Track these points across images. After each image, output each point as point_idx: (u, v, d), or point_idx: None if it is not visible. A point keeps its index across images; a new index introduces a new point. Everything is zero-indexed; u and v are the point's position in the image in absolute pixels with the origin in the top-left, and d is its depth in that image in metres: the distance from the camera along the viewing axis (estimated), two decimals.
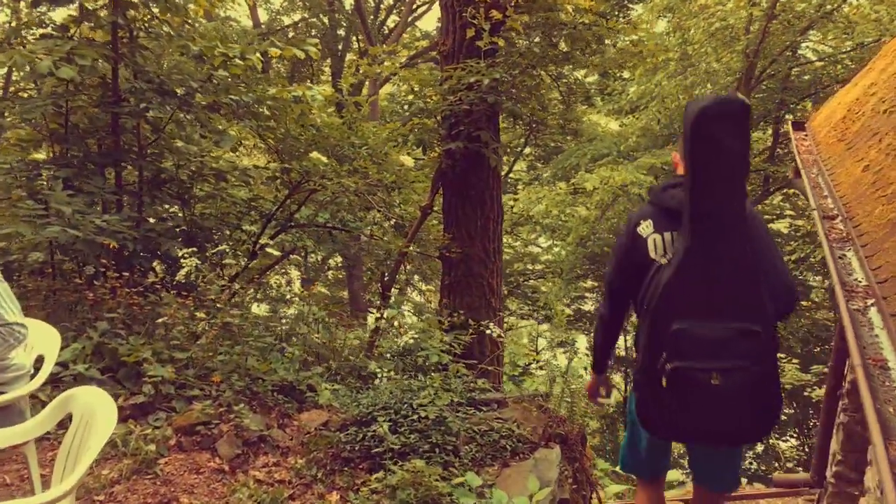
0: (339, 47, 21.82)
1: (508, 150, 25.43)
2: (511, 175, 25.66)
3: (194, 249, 6.02)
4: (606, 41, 21.61)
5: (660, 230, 2.92)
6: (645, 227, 2.95)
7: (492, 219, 8.59)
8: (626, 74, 20.50)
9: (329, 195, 8.01)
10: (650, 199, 3.06)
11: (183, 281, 6.10)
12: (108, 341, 5.75)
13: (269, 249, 6.48)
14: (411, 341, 6.16)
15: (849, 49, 16.30)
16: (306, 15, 21.13)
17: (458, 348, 6.56)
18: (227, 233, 7.70)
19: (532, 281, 25.03)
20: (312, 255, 22.36)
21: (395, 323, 7.25)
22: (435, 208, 8.85)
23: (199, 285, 6.17)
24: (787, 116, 17.61)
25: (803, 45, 17.19)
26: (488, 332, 6.72)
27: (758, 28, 15.10)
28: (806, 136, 7.59)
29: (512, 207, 15.16)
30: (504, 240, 25.99)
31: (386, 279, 9.05)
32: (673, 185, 2.96)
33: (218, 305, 6.06)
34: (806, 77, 17.38)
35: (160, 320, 5.81)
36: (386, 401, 5.38)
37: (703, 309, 2.70)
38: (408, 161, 8.20)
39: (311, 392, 5.94)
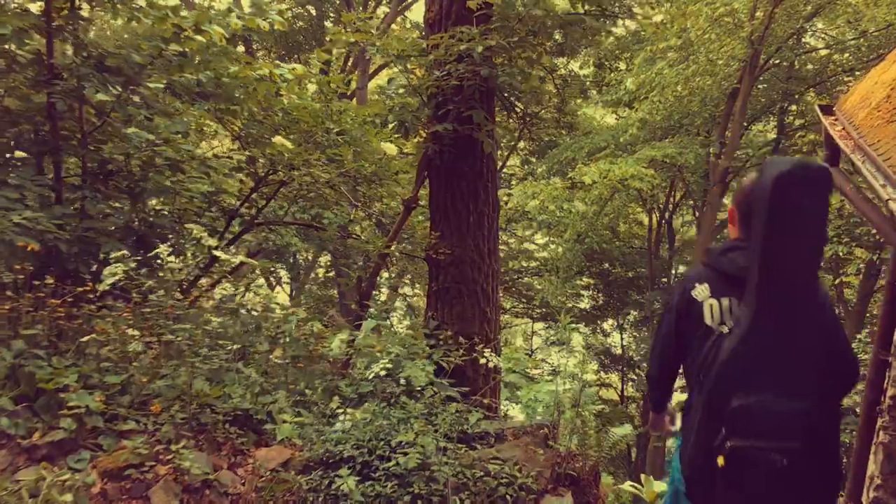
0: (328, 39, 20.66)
1: (502, 144, 24.39)
2: (505, 170, 24.59)
3: (125, 252, 4.94)
4: (602, 33, 20.67)
5: (717, 296, 2.70)
6: (701, 291, 2.74)
7: (486, 214, 7.26)
8: (622, 66, 19.48)
9: (297, 187, 6.89)
10: (707, 260, 2.83)
11: (116, 289, 5.02)
12: (25, 363, 4.65)
13: (219, 254, 5.34)
14: (390, 364, 5.07)
15: (856, 36, 15.28)
16: (292, 5, 19.96)
17: (447, 368, 5.51)
18: (190, 230, 6.55)
19: (528, 278, 24.01)
20: (302, 255, 21.30)
21: (375, 337, 6.08)
22: (421, 202, 7.70)
23: (133, 295, 5.08)
24: (791, 108, 16.60)
25: (808, 33, 16.15)
26: (483, 360, 5.58)
27: (763, 14, 14.06)
28: (836, 120, 6.68)
29: (506, 203, 14.04)
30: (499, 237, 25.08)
31: (364, 285, 7.84)
32: (732, 248, 2.72)
33: (161, 320, 4.97)
34: (810, 66, 16.34)
35: (85, 338, 4.71)
36: (359, 437, 4.31)
37: (766, 384, 2.50)
38: (390, 149, 7.00)
39: (273, 422, 4.86)
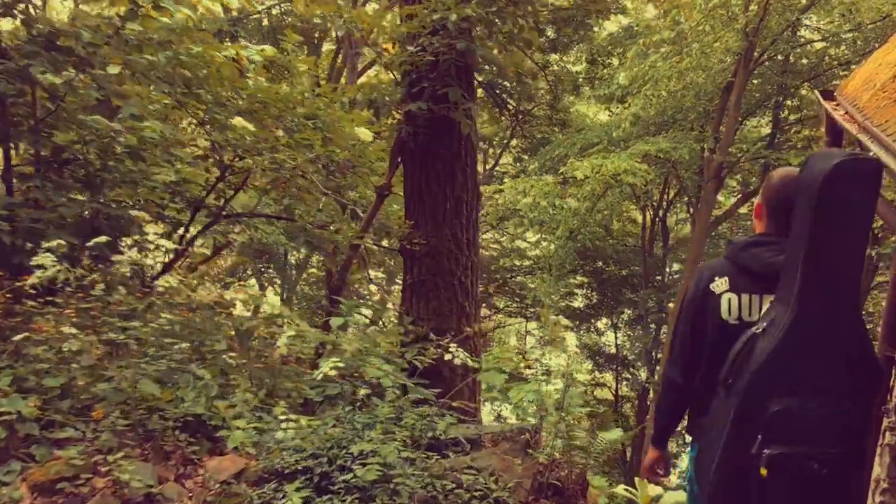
0: (316, 35, 20.20)
1: (494, 142, 23.92)
2: (497, 168, 24.15)
3: (60, 243, 4.47)
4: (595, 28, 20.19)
5: (736, 290, 2.60)
6: (720, 285, 2.62)
7: (464, 200, 6.68)
8: (615, 62, 19.05)
9: (267, 176, 6.39)
10: (727, 254, 2.70)
11: (62, 284, 4.54)
12: None
13: (163, 242, 4.86)
14: (341, 363, 4.57)
15: (851, 29, 14.86)
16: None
17: (421, 367, 5.02)
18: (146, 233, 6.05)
19: (520, 277, 23.53)
20: (294, 254, 20.81)
21: (342, 334, 5.57)
22: (398, 191, 7.21)
23: (69, 289, 4.60)
24: (786, 102, 16.17)
25: (803, 27, 15.72)
26: (451, 357, 5.08)
27: (757, 6, 13.63)
28: (837, 105, 6.28)
29: (498, 200, 13.55)
30: (490, 235, 24.64)
31: (335, 279, 7.33)
32: (756, 243, 2.62)
33: (106, 317, 4.49)
34: (805, 61, 15.91)
35: (17, 337, 4.23)
36: (319, 446, 3.84)
37: (805, 387, 2.35)
38: (365, 135, 6.50)
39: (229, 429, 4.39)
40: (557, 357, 24.22)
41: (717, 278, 2.64)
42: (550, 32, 20.88)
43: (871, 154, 2.77)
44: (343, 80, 18.34)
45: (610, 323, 23.83)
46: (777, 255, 2.51)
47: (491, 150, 24.19)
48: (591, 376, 25.12)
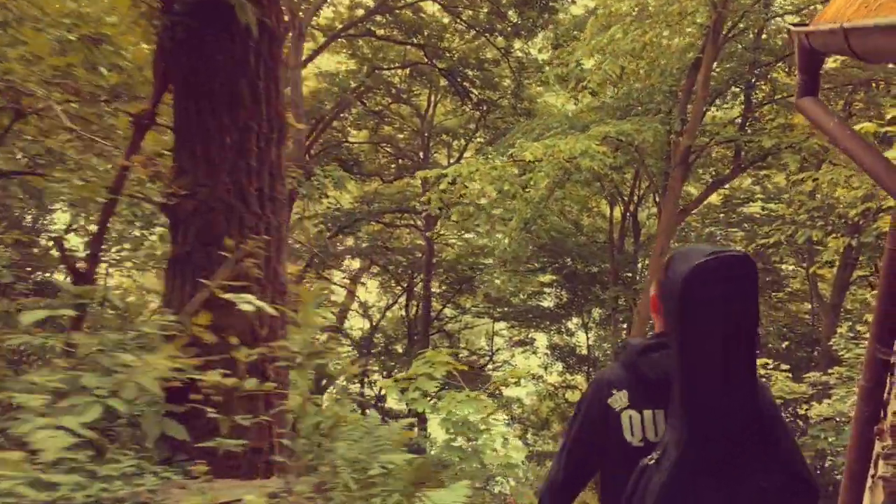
0: None
1: (458, 135, 22.44)
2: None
3: None
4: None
5: (637, 406, 2.20)
6: (618, 399, 2.21)
7: (255, 132, 4.51)
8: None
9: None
10: (624, 359, 2.29)
11: None
12: None
13: None
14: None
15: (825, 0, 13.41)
16: None
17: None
18: None
19: (487, 276, 22.07)
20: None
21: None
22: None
23: None
24: (759, 83, 14.70)
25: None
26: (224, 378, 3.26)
27: None
28: (813, 31, 4.86)
29: (439, 187, 11.91)
30: (453, 231, 23.12)
31: (90, 245, 5.13)
32: (653, 347, 2.21)
33: None
34: (780, 39, 14.44)
35: None
36: None
37: None
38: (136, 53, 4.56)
39: None
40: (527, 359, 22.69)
41: (614, 391, 2.25)
42: (513, 16, 19.55)
43: (733, 248, 2.18)
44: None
45: (581, 322, 22.49)
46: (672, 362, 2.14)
47: (456, 143, 22.75)
48: (562, 378, 23.76)
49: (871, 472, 3.45)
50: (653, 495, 2.04)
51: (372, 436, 3.95)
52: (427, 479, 3.35)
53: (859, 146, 2.90)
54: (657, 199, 15.35)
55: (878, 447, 3.32)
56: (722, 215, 17.78)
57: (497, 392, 24.29)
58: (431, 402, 8.96)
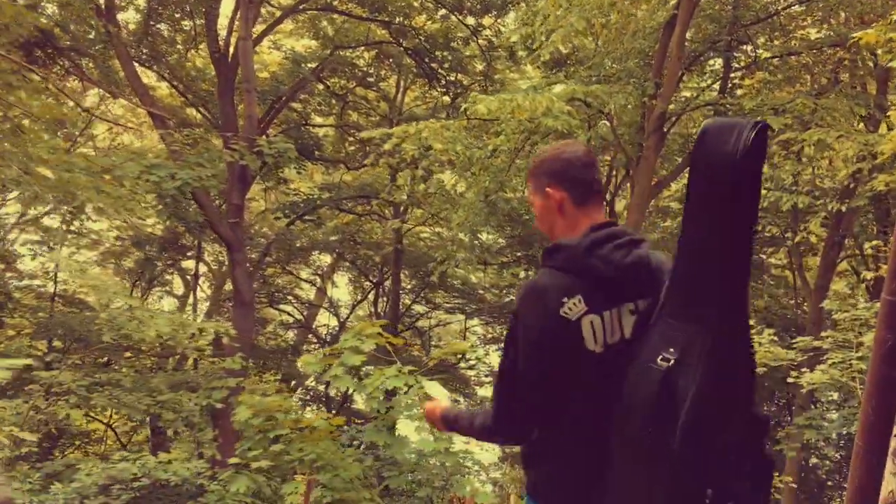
0: None
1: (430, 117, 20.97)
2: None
3: None
4: None
5: (597, 310, 1.96)
6: (573, 306, 1.94)
7: None
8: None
9: None
10: (562, 264, 1.99)
11: None
12: None
13: None
14: None
15: None
16: None
17: None
18: None
19: (461, 270, 20.62)
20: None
21: None
22: None
23: None
24: (740, 45, 13.37)
25: None
26: None
27: None
28: None
29: (384, 147, 10.37)
30: (425, 223, 21.65)
31: None
32: (601, 240, 1.97)
33: None
34: None
35: None
36: None
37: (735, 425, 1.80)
38: None
39: None
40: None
41: (566, 299, 1.94)
42: None
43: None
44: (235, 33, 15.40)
45: None
46: (630, 250, 1.96)
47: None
48: None
49: (889, 466, 2.42)
50: (687, 406, 1.73)
51: None
52: None
53: None
54: (629, 172, 13.94)
55: (893, 443, 2.48)
56: None
57: (470, 392, 22.89)
58: (355, 379, 7.64)
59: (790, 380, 6.93)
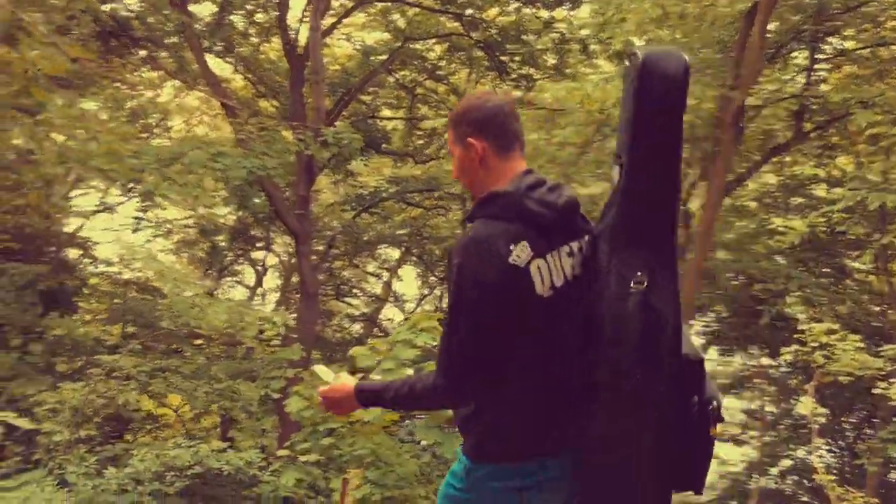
0: None
1: None
2: None
3: None
4: None
5: (541, 253, 1.95)
6: (521, 253, 1.92)
7: None
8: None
9: None
10: (498, 212, 1.97)
11: None
12: None
13: None
14: None
15: None
16: None
17: None
18: None
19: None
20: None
21: None
22: None
23: None
24: (826, 37, 12.58)
25: None
26: None
27: None
28: None
29: None
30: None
31: None
32: (534, 184, 1.98)
33: None
34: None
35: None
36: None
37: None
38: None
39: None
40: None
41: (513, 246, 1.92)
42: None
43: None
44: (302, 39, 15.41)
45: None
46: (561, 192, 1.98)
47: None
48: None
49: None
50: (666, 318, 1.88)
51: None
52: None
53: None
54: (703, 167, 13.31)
55: None
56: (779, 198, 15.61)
57: None
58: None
59: (876, 391, 6.37)
